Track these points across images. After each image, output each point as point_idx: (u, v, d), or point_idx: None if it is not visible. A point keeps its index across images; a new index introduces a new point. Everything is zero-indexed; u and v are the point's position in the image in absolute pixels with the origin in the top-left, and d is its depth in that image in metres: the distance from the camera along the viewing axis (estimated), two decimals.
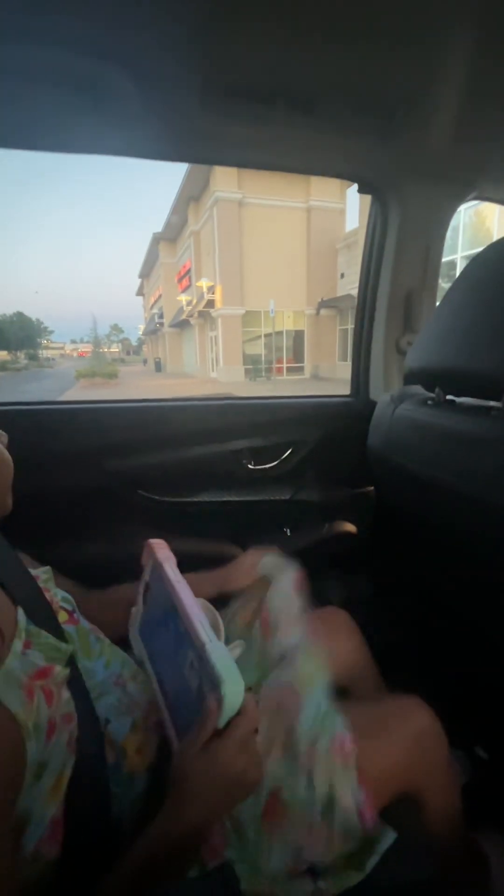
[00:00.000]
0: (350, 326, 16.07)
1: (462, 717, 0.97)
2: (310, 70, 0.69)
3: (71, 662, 0.53)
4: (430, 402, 0.83)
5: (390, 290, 1.12)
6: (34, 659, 0.48)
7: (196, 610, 0.54)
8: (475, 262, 0.72)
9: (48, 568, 0.65)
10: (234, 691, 0.46)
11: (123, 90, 0.72)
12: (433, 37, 0.64)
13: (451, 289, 0.77)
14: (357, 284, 1.23)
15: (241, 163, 0.94)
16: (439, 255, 1.09)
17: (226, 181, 16.66)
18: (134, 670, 0.64)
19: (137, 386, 17.32)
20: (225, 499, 1.19)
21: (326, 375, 17.63)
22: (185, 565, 1.18)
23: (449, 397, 0.80)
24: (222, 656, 0.49)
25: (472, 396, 0.76)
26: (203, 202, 18.95)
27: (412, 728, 0.63)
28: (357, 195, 1.12)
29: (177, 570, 0.61)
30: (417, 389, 0.93)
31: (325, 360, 18.15)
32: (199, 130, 0.83)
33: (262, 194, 17.02)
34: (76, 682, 0.52)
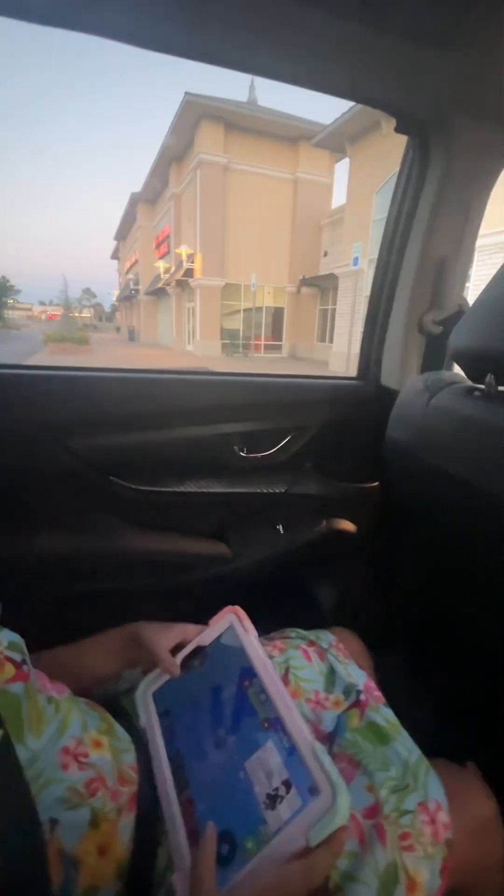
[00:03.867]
0: (330, 306, 15.97)
1: (457, 729, 0.87)
2: None
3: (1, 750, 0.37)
4: (477, 392, 0.68)
5: (420, 256, 0.95)
6: None
7: (292, 703, 0.48)
8: None
9: None
10: (345, 805, 0.40)
11: None
12: None
13: None
14: (340, 264, 1.05)
15: (252, 67, 0.73)
16: (481, 215, 0.92)
17: (211, 143, 15.80)
18: (102, 729, 0.49)
19: (110, 354, 16.68)
20: (211, 490, 1.03)
21: (305, 355, 17.46)
22: (163, 564, 1.04)
23: (502, 388, 0.66)
24: (329, 762, 0.43)
25: None
26: (186, 163, 17.97)
27: (471, 819, 0.50)
28: (345, 170, 0.94)
29: (264, 650, 0.55)
30: (453, 376, 0.78)
31: (303, 339, 17.93)
32: (204, 16, 0.62)
33: (248, 161, 16.27)
34: (4, 784, 0.36)
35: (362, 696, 0.65)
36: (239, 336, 18.53)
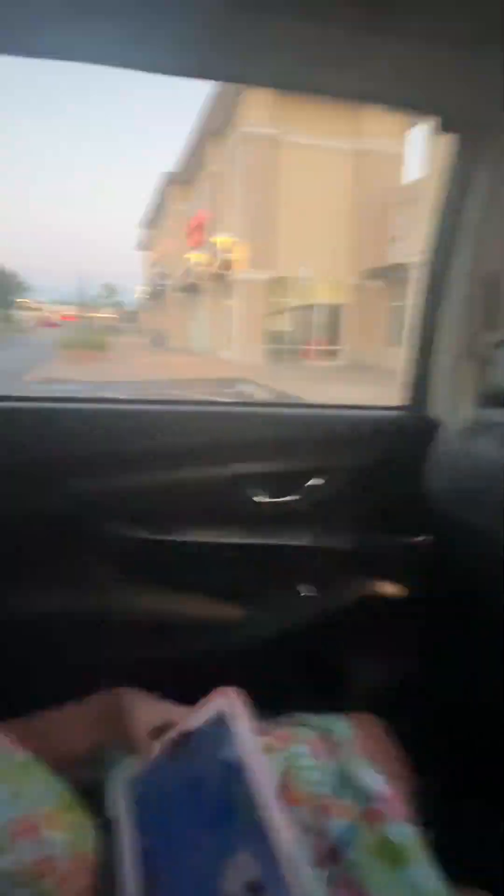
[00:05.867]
0: (403, 303, 15.84)
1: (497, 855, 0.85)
2: None
3: None
4: None
5: (469, 269, 1.00)
6: None
7: (280, 808, 0.51)
8: None
9: None
10: None
11: None
12: None
13: None
14: (413, 251, 1.11)
15: (283, 82, 0.85)
16: None
17: (256, 113, 16.53)
18: (62, 805, 0.55)
19: (131, 363, 17.37)
20: (223, 540, 1.10)
21: (371, 362, 17.39)
22: (162, 629, 1.10)
23: None
24: (310, 878, 0.47)
25: None
26: (226, 138, 18.86)
27: None
28: (423, 137, 1.01)
29: (258, 741, 0.58)
30: (502, 417, 0.82)
31: (369, 342, 17.90)
32: (230, 32, 0.74)
33: (300, 131, 16.86)
34: None
35: (378, 806, 0.67)
36: (287, 340, 18.79)
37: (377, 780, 0.70)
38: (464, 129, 0.96)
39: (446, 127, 0.97)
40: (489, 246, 0.98)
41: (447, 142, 1.02)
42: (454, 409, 1.09)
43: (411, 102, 0.90)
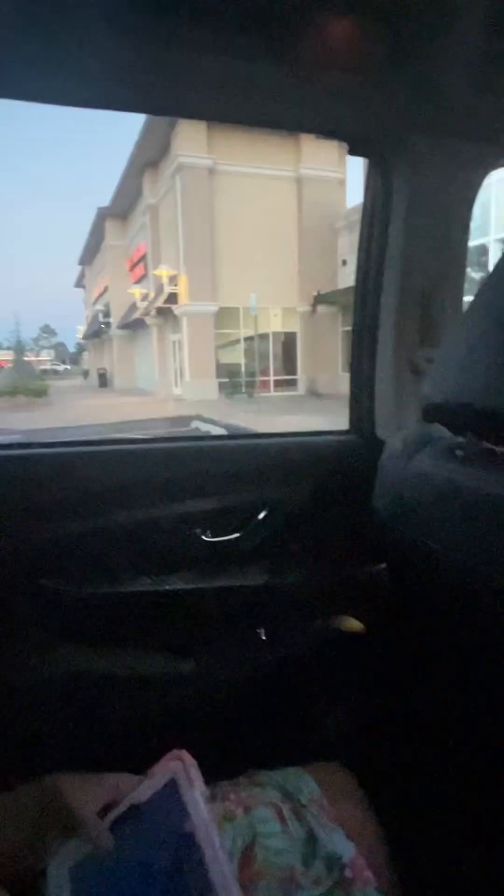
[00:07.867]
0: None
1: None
2: None
3: None
4: (459, 451, 0.75)
5: (399, 288, 1.06)
6: None
7: (236, 887, 0.51)
8: None
9: None
10: None
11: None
12: None
13: (484, 287, 0.71)
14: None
15: (203, 113, 0.91)
16: (465, 238, 1.05)
17: (192, 144, 17.19)
18: None
19: (75, 406, 17.21)
20: (170, 587, 1.08)
21: (327, 390, 17.84)
22: (107, 689, 1.07)
23: (487, 445, 0.73)
24: None
25: None
26: (162, 170, 19.49)
27: None
28: (360, 163, 1.09)
29: (211, 810, 0.57)
30: (442, 430, 0.86)
31: (324, 370, 18.38)
32: (154, 70, 0.81)
33: (238, 160, 17.59)
34: None
35: (348, 873, 0.66)
36: (240, 372, 19.09)
37: (346, 846, 0.70)
38: (370, 153, 1.05)
39: (354, 151, 1.05)
40: (416, 261, 1.04)
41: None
42: (398, 428, 1.13)
43: (317, 128, 0.98)
